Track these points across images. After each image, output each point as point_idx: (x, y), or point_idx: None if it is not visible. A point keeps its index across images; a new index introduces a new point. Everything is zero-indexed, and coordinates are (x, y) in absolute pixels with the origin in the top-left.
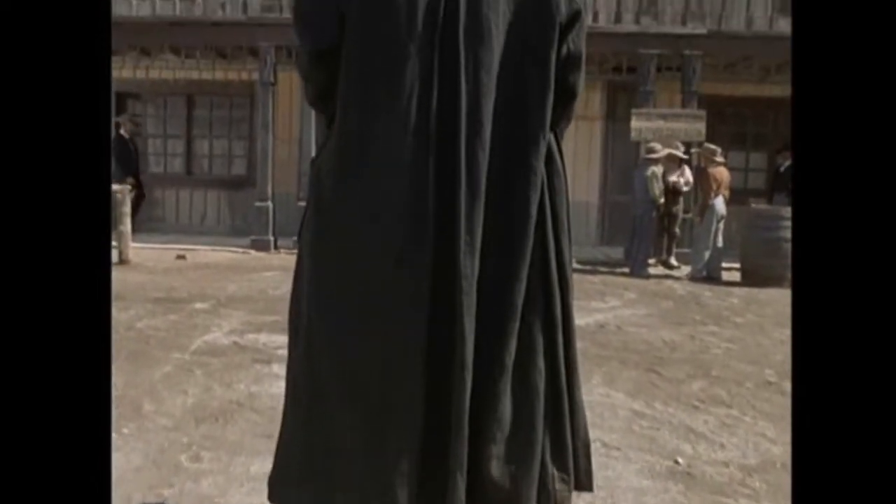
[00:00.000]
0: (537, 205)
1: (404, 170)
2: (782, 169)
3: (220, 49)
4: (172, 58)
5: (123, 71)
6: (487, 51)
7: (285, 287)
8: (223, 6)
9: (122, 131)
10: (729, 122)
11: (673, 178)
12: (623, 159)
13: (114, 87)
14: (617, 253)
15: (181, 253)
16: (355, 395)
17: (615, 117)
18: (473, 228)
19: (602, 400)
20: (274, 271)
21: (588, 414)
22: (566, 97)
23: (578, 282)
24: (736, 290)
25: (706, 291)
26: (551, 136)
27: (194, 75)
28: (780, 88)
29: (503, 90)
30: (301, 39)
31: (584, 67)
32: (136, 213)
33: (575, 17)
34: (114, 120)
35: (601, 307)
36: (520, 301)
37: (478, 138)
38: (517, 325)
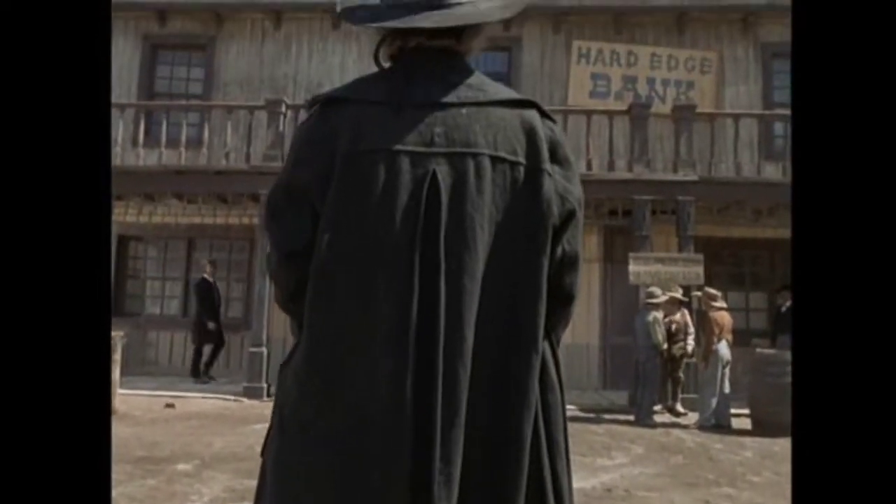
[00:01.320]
0: (531, 428)
1: (381, 390)
2: (784, 309)
3: (222, 195)
4: (175, 202)
5: (128, 216)
6: (472, 256)
7: None
8: (227, 155)
9: (205, 274)
10: (726, 263)
11: (674, 321)
12: (622, 301)
13: (117, 231)
14: (620, 397)
15: (170, 401)
16: None
17: (613, 259)
18: (450, 457)
19: None
20: (264, 423)
21: None
22: (563, 301)
23: (582, 433)
24: (748, 440)
25: (717, 444)
26: (546, 346)
27: (196, 219)
28: (773, 230)
29: (490, 300)
30: (271, 238)
31: (580, 266)
32: (213, 363)
33: (569, 217)
34: (204, 261)
35: (607, 465)
36: None
37: (459, 358)
38: None
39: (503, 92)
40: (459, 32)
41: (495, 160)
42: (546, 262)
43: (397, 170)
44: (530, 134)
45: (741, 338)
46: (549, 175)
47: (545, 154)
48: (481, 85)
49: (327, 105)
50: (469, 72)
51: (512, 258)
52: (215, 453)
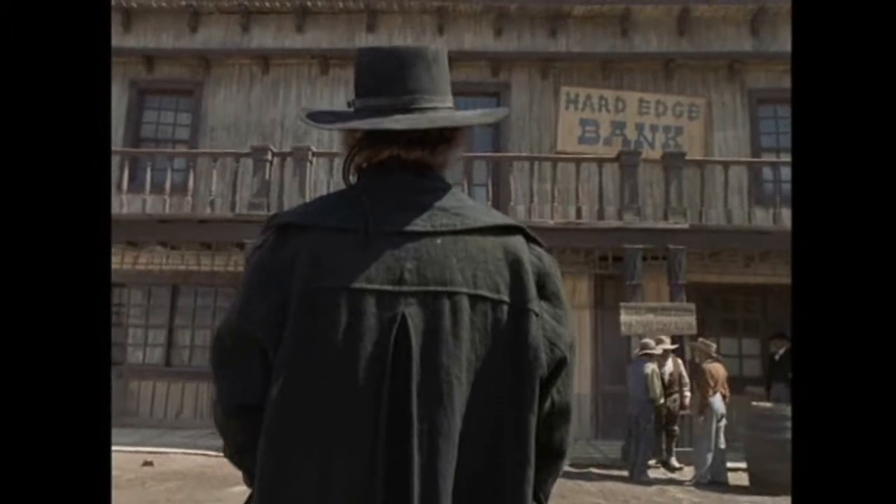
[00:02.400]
0: None
1: None
2: (777, 357)
3: (207, 242)
4: (159, 249)
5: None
6: (447, 415)
7: None
8: (212, 204)
9: None
10: (717, 309)
11: (666, 372)
12: (613, 349)
13: None
14: (613, 449)
15: (149, 459)
16: None
17: (603, 306)
18: None
19: None
20: (242, 485)
21: None
22: (552, 458)
23: (575, 493)
24: (746, 499)
25: None
26: None
27: (180, 266)
28: (765, 277)
29: (469, 464)
30: (217, 388)
31: (572, 419)
32: None
33: (559, 366)
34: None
35: None
36: None
37: None
38: None
39: (484, 216)
40: (434, 143)
41: (475, 299)
42: (534, 420)
43: (361, 312)
44: (515, 266)
45: (735, 385)
46: (537, 315)
47: (532, 290)
48: (459, 208)
49: (283, 231)
50: (444, 190)
51: (495, 416)
52: None
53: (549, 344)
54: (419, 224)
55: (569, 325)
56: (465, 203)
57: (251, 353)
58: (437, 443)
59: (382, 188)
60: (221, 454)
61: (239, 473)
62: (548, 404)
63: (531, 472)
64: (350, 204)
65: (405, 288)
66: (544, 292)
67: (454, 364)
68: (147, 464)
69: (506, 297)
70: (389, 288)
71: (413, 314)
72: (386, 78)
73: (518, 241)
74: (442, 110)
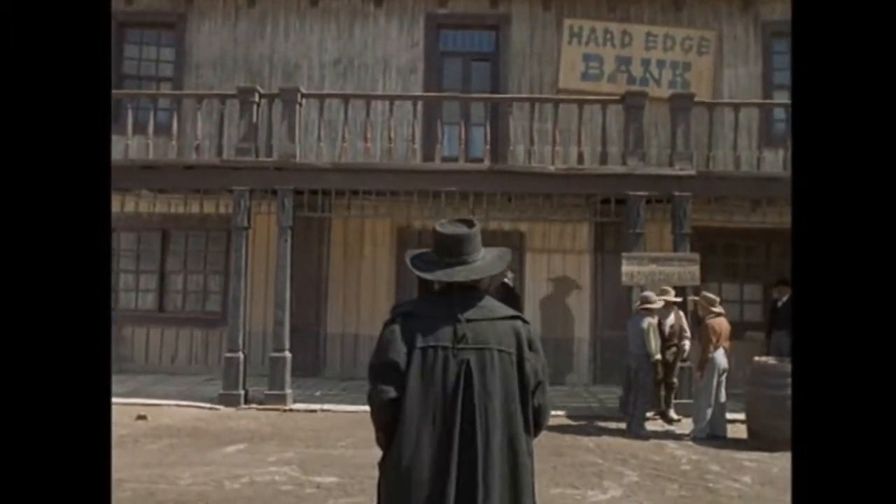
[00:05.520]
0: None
1: (433, 488)
2: (780, 304)
3: (194, 189)
4: (146, 193)
5: None
6: (493, 405)
7: (245, 477)
8: (197, 148)
9: (507, 279)
10: (720, 254)
11: (667, 324)
12: (613, 294)
13: None
14: (611, 398)
15: (142, 413)
16: None
17: (603, 249)
18: (487, 480)
19: None
20: (238, 444)
21: None
22: (538, 425)
23: (573, 449)
24: (745, 458)
25: (713, 464)
26: (526, 440)
27: (169, 209)
28: (771, 219)
29: (502, 427)
30: (375, 391)
31: (548, 411)
32: None
33: (538, 385)
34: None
35: (601, 500)
36: None
37: (490, 470)
38: None
39: (501, 311)
40: (473, 280)
41: (500, 352)
42: (529, 409)
43: (446, 358)
44: (517, 336)
45: (735, 330)
46: (528, 360)
47: (525, 348)
48: (491, 308)
49: (405, 317)
50: (481, 298)
51: (511, 407)
52: (180, 494)
53: (534, 374)
54: (471, 314)
55: (541, 363)
56: (493, 304)
57: (394, 374)
58: (488, 419)
59: (453, 299)
60: (215, 406)
61: (235, 424)
62: (535, 403)
63: (528, 433)
64: (437, 305)
65: (467, 346)
66: (531, 348)
67: (492, 382)
68: (141, 417)
69: (514, 351)
70: (460, 346)
71: (471, 359)
72: (449, 247)
73: (518, 323)
74: (477, 262)
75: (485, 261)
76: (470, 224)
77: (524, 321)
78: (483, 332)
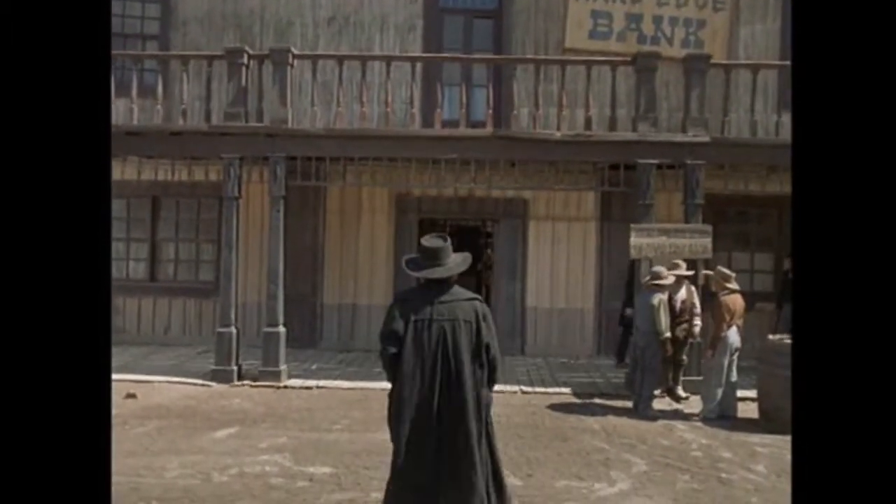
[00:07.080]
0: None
1: (423, 405)
2: (791, 275)
3: (181, 155)
4: (133, 158)
5: None
6: (461, 355)
7: (235, 468)
8: (184, 113)
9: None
10: (731, 222)
11: (678, 300)
12: (619, 264)
13: None
14: (616, 372)
15: (132, 391)
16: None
17: (610, 217)
18: (454, 401)
19: None
20: (230, 427)
21: None
22: (491, 369)
23: (579, 433)
24: (757, 440)
25: (725, 451)
26: (485, 386)
27: (160, 176)
28: (786, 185)
29: (468, 366)
30: (383, 348)
31: (499, 363)
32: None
33: (487, 347)
34: None
35: (608, 495)
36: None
37: (460, 376)
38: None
39: (465, 295)
40: (447, 276)
41: (465, 322)
42: (483, 356)
43: (429, 327)
44: (476, 312)
45: (746, 302)
46: (483, 328)
47: (481, 320)
48: (458, 293)
49: (402, 301)
50: (452, 287)
51: (471, 357)
52: (165, 489)
53: (487, 336)
54: (444, 298)
55: (492, 330)
56: (460, 290)
57: (396, 338)
58: (460, 364)
59: (431, 288)
60: (207, 383)
61: (227, 404)
62: (489, 355)
63: (482, 371)
64: (422, 292)
65: (442, 318)
66: (485, 319)
67: (459, 341)
68: (130, 395)
69: (473, 321)
70: (437, 318)
71: (445, 326)
72: (430, 255)
73: (476, 303)
74: (449, 264)
75: (454, 262)
76: (444, 238)
77: (481, 301)
78: (453, 309)
